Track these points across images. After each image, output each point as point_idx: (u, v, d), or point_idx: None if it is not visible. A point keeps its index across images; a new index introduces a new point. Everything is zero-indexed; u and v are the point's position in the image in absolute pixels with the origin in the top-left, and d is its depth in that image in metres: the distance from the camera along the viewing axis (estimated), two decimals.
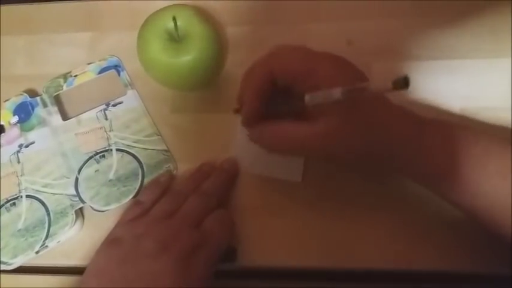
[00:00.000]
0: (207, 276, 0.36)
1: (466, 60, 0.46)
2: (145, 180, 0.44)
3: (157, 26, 0.42)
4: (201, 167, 0.44)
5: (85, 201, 0.43)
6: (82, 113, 0.47)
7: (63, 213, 0.43)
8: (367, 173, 0.43)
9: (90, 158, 0.45)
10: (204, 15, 0.44)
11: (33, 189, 0.44)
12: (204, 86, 0.47)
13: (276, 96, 0.37)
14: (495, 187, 0.32)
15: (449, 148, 0.34)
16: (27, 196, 0.44)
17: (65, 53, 0.52)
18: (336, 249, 0.41)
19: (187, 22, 0.42)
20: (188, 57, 0.41)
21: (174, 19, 0.41)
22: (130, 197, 0.43)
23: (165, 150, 0.45)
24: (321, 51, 0.36)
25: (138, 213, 0.40)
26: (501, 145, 0.34)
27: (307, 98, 0.33)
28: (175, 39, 0.42)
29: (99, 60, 0.49)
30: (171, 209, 0.39)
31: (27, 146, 0.45)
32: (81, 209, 0.44)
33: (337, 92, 0.31)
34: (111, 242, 0.38)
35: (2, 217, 0.43)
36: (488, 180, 0.33)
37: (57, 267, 0.43)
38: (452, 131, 0.35)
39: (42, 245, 0.42)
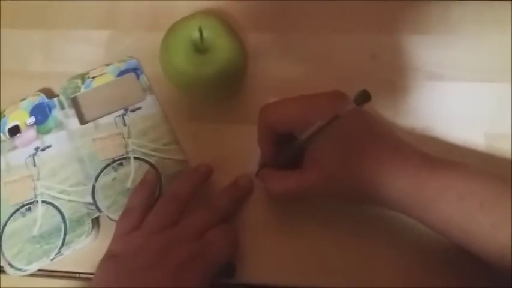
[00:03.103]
0: (202, 287, 0.36)
1: (491, 83, 0.45)
2: (163, 191, 0.43)
3: (183, 36, 0.41)
4: (198, 168, 0.43)
5: (102, 210, 0.43)
6: (100, 117, 0.46)
7: (79, 222, 0.42)
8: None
9: (108, 165, 0.44)
10: (228, 25, 0.43)
11: (49, 195, 0.43)
12: (226, 97, 0.46)
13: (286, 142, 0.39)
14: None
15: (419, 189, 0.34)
16: (43, 202, 0.43)
17: (82, 50, 0.51)
18: (341, 270, 0.41)
19: (212, 33, 0.41)
20: (213, 70, 0.41)
21: (200, 30, 0.41)
22: None
23: (183, 161, 0.44)
24: (316, 93, 0.38)
25: (133, 223, 0.39)
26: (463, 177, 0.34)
27: (300, 137, 0.37)
28: (200, 49, 0.41)
29: (118, 62, 0.48)
30: (167, 218, 0.39)
31: (43, 150, 0.45)
32: (97, 217, 0.43)
33: (317, 124, 0.35)
34: (110, 258, 0.38)
35: (17, 222, 0.43)
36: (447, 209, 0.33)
37: (68, 275, 0.43)
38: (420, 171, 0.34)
39: (57, 253, 0.41)
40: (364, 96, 0.32)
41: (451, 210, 0.33)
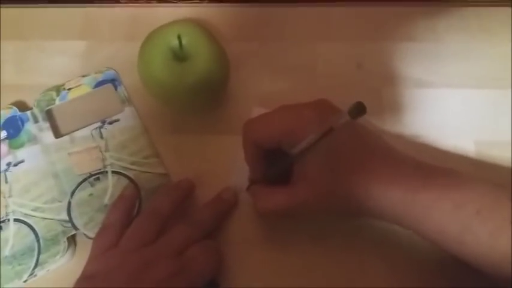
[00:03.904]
0: None
1: (480, 90, 0.45)
2: (143, 206, 0.41)
3: (161, 44, 0.40)
4: (179, 184, 0.41)
5: (78, 227, 0.40)
6: (76, 131, 0.44)
7: (54, 241, 0.40)
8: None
9: (84, 180, 0.42)
10: (209, 33, 0.42)
11: (21, 213, 0.41)
12: (207, 107, 0.44)
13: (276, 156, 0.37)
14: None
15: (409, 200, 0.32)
16: (15, 220, 0.41)
17: (58, 62, 0.49)
18: (331, 285, 0.39)
19: (192, 41, 0.40)
20: (193, 79, 0.39)
21: (179, 38, 0.39)
22: None
23: (164, 174, 0.43)
24: (300, 103, 0.36)
25: (110, 241, 0.37)
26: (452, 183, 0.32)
27: (291, 152, 0.35)
28: (180, 58, 0.40)
29: (95, 73, 0.46)
30: (146, 234, 0.37)
31: (16, 165, 0.42)
32: (73, 235, 0.41)
33: (309, 139, 0.33)
34: (85, 279, 0.35)
35: None
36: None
37: None
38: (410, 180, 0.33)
39: (30, 274, 0.39)
40: (359, 109, 0.31)
41: (446, 219, 0.31)
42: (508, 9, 0.47)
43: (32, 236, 0.40)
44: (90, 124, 0.44)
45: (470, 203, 0.31)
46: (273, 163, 0.38)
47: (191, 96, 0.40)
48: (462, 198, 0.31)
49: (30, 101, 0.46)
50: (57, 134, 0.44)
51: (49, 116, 0.45)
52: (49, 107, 0.45)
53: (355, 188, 0.33)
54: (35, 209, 0.41)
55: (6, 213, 0.41)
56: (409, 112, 0.44)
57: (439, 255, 0.36)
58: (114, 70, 0.47)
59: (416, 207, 0.32)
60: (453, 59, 0.46)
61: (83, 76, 0.46)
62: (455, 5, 0.48)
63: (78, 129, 0.44)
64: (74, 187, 0.42)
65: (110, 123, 0.44)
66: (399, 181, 0.32)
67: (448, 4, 0.49)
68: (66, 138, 0.44)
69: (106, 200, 0.41)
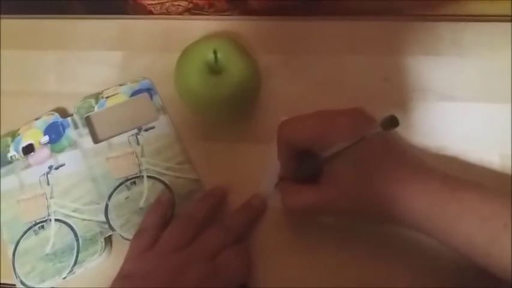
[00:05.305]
0: None
1: (504, 104, 0.46)
2: (176, 210, 0.43)
3: (197, 58, 0.42)
4: (213, 191, 0.43)
5: (115, 229, 0.43)
6: (113, 137, 0.46)
7: (92, 240, 0.42)
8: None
9: (121, 184, 0.44)
10: (242, 47, 0.44)
11: (62, 213, 0.43)
12: (239, 116, 0.46)
13: (306, 156, 0.39)
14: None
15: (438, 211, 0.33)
16: (56, 220, 0.43)
17: (96, 71, 0.51)
18: None
19: (226, 55, 0.42)
20: (227, 92, 0.41)
21: (215, 52, 0.41)
22: None
23: (196, 180, 0.45)
24: (335, 110, 0.38)
25: (147, 243, 0.39)
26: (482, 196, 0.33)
27: (322, 155, 0.37)
28: (214, 71, 0.42)
29: (131, 82, 0.49)
30: (181, 238, 0.39)
31: (57, 168, 0.45)
32: (110, 236, 0.43)
33: (341, 145, 0.35)
34: (123, 278, 0.38)
35: (30, 240, 0.43)
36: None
37: None
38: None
39: (70, 271, 0.41)
40: (392, 122, 0.33)
41: (474, 232, 0.32)
42: None
43: (72, 235, 0.43)
44: (127, 131, 0.47)
45: (498, 217, 0.32)
46: (304, 163, 0.40)
47: (224, 107, 0.42)
48: (489, 211, 0.32)
49: (70, 107, 0.49)
50: (96, 140, 0.47)
51: (88, 122, 0.47)
52: (88, 114, 0.48)
53: (382, 195, 0.35)
54: (75, 210, 0.43)
55: (48, 213, 0.44)
56: (435, 125, 0.45)
57: (465, 264, 0.37)
58: (150, 80, 0.49)
59: (444, 220, 0.33)
60: (477, 73, 0.47)
61: (120, 85, 0.49)
62: (480, 20, 0.49)
63: (115, 136, 0.46)
64: (111, 190, 0.44)
65: (146, 130, 0.47)
66: (427, 193, 0.34)
67: (474, 19, 0.50)
68: (104, 143, 0.46)
69: (141, 203, 0.44)
